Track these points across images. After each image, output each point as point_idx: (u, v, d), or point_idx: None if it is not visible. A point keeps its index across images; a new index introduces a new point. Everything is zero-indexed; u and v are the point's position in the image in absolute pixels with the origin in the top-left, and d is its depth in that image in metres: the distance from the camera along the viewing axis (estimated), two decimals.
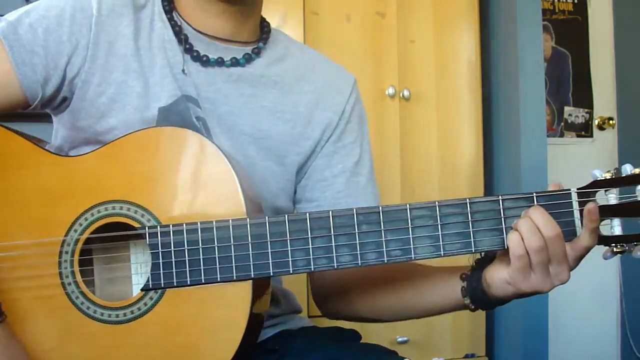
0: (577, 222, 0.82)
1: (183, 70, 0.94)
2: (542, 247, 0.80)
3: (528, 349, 2.27)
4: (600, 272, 2.76)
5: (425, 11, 2.36)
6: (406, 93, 2.30)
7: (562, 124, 2.82)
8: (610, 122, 2.88)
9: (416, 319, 1.02)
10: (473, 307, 0.92)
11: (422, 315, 1.00)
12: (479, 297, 0.90)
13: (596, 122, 2.86)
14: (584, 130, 2.85)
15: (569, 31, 2.82)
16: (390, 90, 2.28)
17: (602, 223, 0.82)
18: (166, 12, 0.97)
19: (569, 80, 2.83)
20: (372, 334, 1.71)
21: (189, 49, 0.96)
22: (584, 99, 2.84)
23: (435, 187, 2.37)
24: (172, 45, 0.95)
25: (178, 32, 0.96)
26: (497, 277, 0.87)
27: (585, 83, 2.84)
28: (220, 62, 0.97)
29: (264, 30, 1.04)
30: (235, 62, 0.98)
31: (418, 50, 2.35)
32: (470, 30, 2.42)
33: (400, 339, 2.26)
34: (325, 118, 1.03)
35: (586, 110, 2.85)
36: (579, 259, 0.83)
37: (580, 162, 2.81)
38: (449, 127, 2.40)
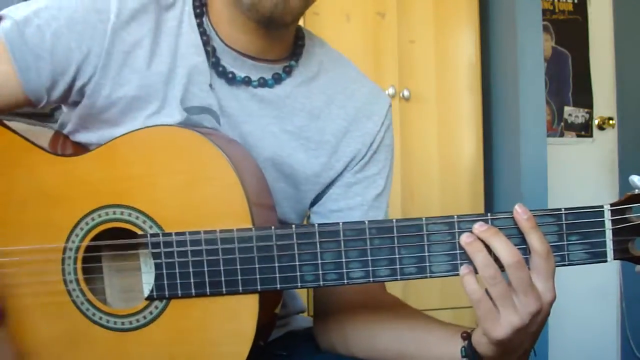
0: (609, 243, 0.72)
1: (210, 85, 0.88)
2: (497, 277, 0.71)
3: None
4: (600, 272, 2.76)
5: (425, 11, 2.35)
6: (406, 93, 2.30)
7: (562, 124, 2.81)
8: (610, 122, 2.87)
9: None
10: None
11: None
12: None
13: (596, 122, 2.86)
14: (584, 130, 2.85)
15: (569, 31, 2.82)
16: (390, 90, 2.27)
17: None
18: (196, 16, 0.88)
19: (569, 80, 2.83)
20: None
21: (215, 63, 0.88)
22: (584, 99, 2.84)
23: (435, 187, 2.37)
24: (199, 50, 0.88)
25: (206, 41, 0.88)
26: (476, 333, 0.77)
27: (585, 83, 2.84)
28: (247, 82, 0.90)
29: (297, 44, 0.95)
30: (263, 83, 0.90)
31: (418, 50, 2.34)
32: (470, 30, 2.42)
33: None
34: (353, 150, 0.96)
35: (586, 110, 2.85)
36: (549, 275, 0.72)
37: (580, 162, 2.81)
38: (449, 127, 2.39)
